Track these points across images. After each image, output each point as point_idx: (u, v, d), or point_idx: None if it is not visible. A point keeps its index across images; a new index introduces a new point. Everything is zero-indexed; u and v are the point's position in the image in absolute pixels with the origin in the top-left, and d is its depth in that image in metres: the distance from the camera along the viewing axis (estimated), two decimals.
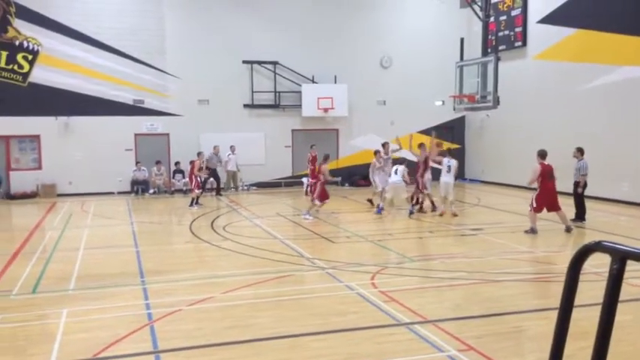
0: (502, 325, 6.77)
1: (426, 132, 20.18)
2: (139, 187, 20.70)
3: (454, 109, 18.39)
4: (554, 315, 1.71)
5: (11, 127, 20.08)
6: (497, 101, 15.59)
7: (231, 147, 21.15)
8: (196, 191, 17.28)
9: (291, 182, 22.71)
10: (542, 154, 12.44)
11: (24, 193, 19.90)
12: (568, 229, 12.31)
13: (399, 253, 10.67)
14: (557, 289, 2.75)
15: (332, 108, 22.35)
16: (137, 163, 21.03)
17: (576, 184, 13.54)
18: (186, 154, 20.50)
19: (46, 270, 9.43)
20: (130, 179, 20.92)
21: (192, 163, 17.93)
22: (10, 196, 19.60)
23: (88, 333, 6.51)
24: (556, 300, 1.79)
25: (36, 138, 20.62)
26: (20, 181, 20.27)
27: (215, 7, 21.87)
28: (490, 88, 15.70)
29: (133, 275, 9.15)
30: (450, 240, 12.19)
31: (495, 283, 8.62)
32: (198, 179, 17.54)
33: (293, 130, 23.10)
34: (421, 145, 15.41)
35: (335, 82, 22.73)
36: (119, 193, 20.84)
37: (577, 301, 1.64)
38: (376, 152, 16.92)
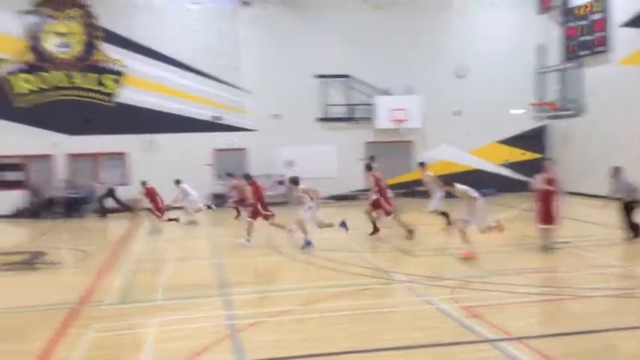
0: (592, 343, 6.45)
1: (507, 142, 19.58)
2: (220, 200, 21.28)
3: (534, 118, 17.78)
4: None
5: (99, 145, 21.25)
6: (582, 108, 14.96)
7: (289, 162, 21.41)
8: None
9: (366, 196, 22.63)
10: None
11: (112, 208, 20.92)
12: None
13: (480, 267, 10.40)
14: None
15: (405, 120, 22.21)
16: (217, 177, 21.70)
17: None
18: (262, 168, 20.98)
19: (134, 281, 9.87)
20: (209, 193, 21.58)
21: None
22: (102, 211, 20.61)
23: (175, 342, 6.74)
24: None
25: (122, 155, 21.70)
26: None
27: (287, 23, 22.37)
28: (572, 95, 15.11)
29: (214, 287, 9.40)
30: (534, 253, 11.74)
31: (585, 299, 8.22)
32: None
33: (366, 143, 23.11)
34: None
35: (409, 94, 22.58)
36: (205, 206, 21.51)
37: None
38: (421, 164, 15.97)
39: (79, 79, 21.29)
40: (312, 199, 12.72)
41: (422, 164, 15.78)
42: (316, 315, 7.71)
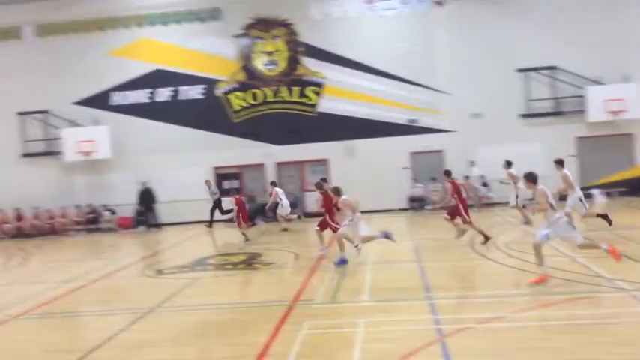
0: None
1: None
2: (417, 204, 21.29)
3: None
4: None
5: (304, 153, 22.65)
6: None
7: (471, 162, 20.49)
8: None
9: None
10: None
11: (317, 213, 22.06)
12: None
13: None
14: None
15: (623, 110, 19.99)
16: (413, 180, 21.72)
17: None
18: (460, 170, 20.46)
19: (342, 282, 10.26)
20: (407, 196, 21.69)
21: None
22: (306, 215, 21.91)
23: (383, 344, 6.84)
24: None
25: (324, 162, 22.84)
26: (313, 201, 22.59)
27: (482, 18, 21.59)
28: None
29: (419, 290, 9.36)
30: None
31: None
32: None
33: (577, 138, 21.28)
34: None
35: (625, 82, 20.30)
36: (399, 210, 21.75)
37: None
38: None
39: (284, 93, 22.94)
40: (353, 212, 11.87)
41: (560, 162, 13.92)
42: (531, 323, 7.26)
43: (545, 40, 21.03)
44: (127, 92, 23.49)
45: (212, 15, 23.09)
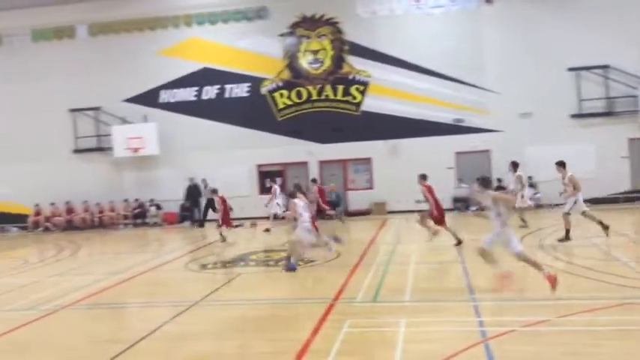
0: None
1: None
2: (461, 204, 20.96)
3: None
4: None
5: (347, 151, 22.61)
6: None
7: (513, 163, 19.85)
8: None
9: (631, 197, 20.16)
10: None
11: (359, 211, 22.04)
12: None
13: None
14: None
15: None
16: (458, 180, 21.39)
17: None
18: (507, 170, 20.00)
19: (383, 281, 10.18)
20: (451, 197, 21.38)
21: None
22: (348, 214, 21.89)
23: (425, 344, 6.74)
24: None
25: (367, 160, 22.74)
26: (355, 199, 22.58)
27: (532, 15, 21.12)
28: None
29: (462, 291, 9.20)
30: None
31: None
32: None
33: (629, 139, 20.53)
34: None
35: None
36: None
37: None
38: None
39: (328, 91, 22.94)
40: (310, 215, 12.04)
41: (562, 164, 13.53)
42: (577, 327, 7.02)
43: (597, 39, 20.40)
44: (175, 90, 23.96)
45: (259, 14, 23.30)
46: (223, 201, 16.85)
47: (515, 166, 16.38)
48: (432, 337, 7.03)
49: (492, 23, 21.60)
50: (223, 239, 16.54)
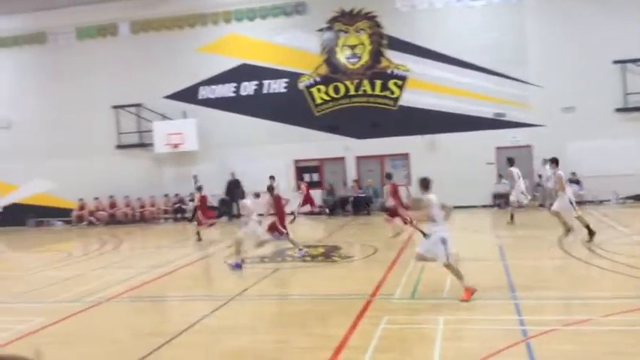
0: None
1: None
2: (502, 200, 20.60)
3: None
4: None
5: (385, 147, 22.46)
6: None
7: (544, 160, 19.29)
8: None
9: None
10: None
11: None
12: None
13: None
14: None
15: None
16: (499, 176, 21.03)
17: None
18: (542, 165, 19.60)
19: (421, 278, 10.10)
20: (491, 193, 21.05)
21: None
22: (385, 209, 21.72)
23: (463, 342, 6.68)
24: None
25: (405, 156, 22.55)
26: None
27: (576, 7, 20.54)
28: None
29: (502, 289, 9.06)
30: None
31: None
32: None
33: None
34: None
35: None
36: (483, 206, 21.16)
37: None
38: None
39: (366, 86, 22.82)
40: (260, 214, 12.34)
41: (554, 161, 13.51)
42: (620, 327, 6.85)
43: None
44: (214, 86, 24.22)
45: (297, 9, 23.32)
46: (204, 199, 17.40)
47: (510, 161, 16.91)
48: (471, 334, 6.96)
49: (534, 15, 21.10)
50: (199, 239, 17.09)
